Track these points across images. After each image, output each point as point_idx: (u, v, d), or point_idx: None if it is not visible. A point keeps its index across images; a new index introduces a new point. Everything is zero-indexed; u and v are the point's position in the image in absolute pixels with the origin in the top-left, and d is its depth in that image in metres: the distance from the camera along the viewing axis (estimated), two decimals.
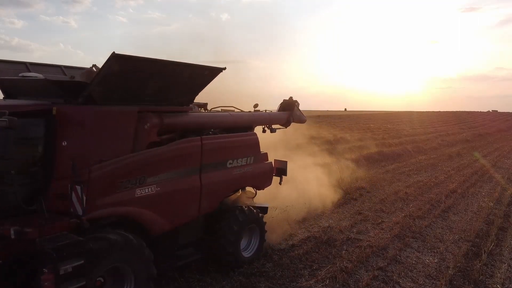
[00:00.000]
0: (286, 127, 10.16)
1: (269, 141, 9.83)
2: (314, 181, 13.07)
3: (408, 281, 7.55)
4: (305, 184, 12.34)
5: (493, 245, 9.33)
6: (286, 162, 9.06)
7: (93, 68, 6.93)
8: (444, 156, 24.68)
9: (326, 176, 14.31)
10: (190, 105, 7.16)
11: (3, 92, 6.33)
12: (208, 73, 6.66)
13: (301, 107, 10.43)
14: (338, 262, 8.13)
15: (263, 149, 8.53)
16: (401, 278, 7.65)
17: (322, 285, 7.17)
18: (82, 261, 4.50)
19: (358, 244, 9.15)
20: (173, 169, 6.29)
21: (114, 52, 5.03)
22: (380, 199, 13.55)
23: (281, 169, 8.99)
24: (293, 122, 10.19)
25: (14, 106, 5.14)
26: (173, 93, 6.49)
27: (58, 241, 4.49)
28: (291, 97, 10.27)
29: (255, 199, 8.61)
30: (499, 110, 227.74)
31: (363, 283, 7.32)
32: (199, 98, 8.00)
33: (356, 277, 7.62)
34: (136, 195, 5.69)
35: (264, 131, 9.48)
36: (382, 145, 26.86)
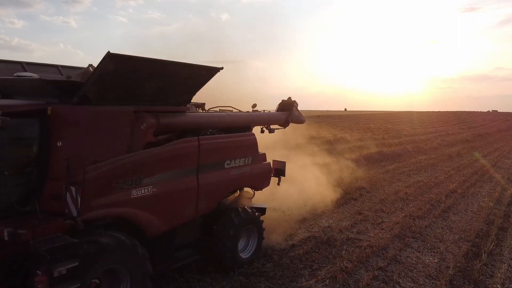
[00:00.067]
0: (284, 128, 10.11)
1: (268, 141, 9.79)
2: (314, 181, 13.05)
3: (408, 281, 7.52)
4: (305, 184, 12.32)
5: (493, 245, 9.30)
6: (285, 162, 9.01)
7: (90, 68, 6.88)
8: (444, 156, 24.65)
9: (326, 176, 14.28)
10: (188, 105, 7.10)
11: None
12: (205, 73, 6.60)
13: (301, 107, 10.39)
14: (338, 262, 8.11)
15: (263, 149, 8.48)
16: (401, 278, 7.62)
17: (322, 285, 7.14)
18: (77, 263, 4.44)
19: (358, 244, 9.12)
20: (170, 169, 6.23)
21: (109, 51, 4.98)
22: (380, 199, 13.51)
23: (279, 170, 8.93)
24: (291, 122, 10.13)
25: (7, 106, 5.07)
26: (170, 93, 6.43)
27: (52, 243, 4.43)
28: (289, 97, 10.22)
29: (253, 200, 8.56)
30: (499, 110, 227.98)
31: (363, 283, 7.29)
32: (198, 98, 7.95)
33: (356, 277, 7.59)
34: (132, 196, 5.62)
35: (262, 131, 9.42)
36: (382, 145, 26.83)
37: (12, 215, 4.84)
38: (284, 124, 9.98)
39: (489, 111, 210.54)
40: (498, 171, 20.08)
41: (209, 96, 8.57)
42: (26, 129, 5.03)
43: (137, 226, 5.82)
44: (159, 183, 6.00)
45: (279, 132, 10.21)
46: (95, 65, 6.48)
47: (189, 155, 6.59)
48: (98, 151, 5.38)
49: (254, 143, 8.07)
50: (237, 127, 8.04)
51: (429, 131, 44.74)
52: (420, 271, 7.96)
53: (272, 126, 9.61)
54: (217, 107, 8.46)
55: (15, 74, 6.12)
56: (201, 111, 8.25)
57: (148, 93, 6.07)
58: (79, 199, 4.71)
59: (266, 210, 8.78)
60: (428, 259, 8.55)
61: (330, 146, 24.22)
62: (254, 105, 9.09)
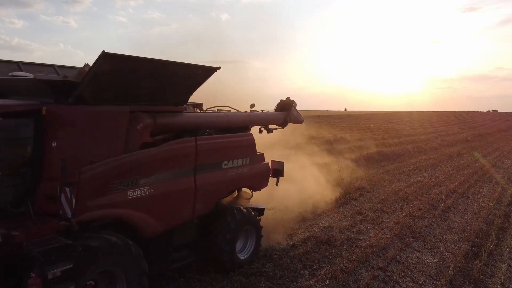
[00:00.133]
0: (283, 128, 10.05)
1: (268, 141, 9.75)
2: (314, 181, 13.01)
3: (408, 281, 7.48)
4: (305, 184, 12.29)
5: (493, 245, 9.26)
6: (283, 163, 8.96)
7: (86, 67, 6.83)
8: (444, 156, 24.60)
9: (326, 176, 14.25)
10: (185, 105, 7.05)
11: None
12: (202, 73, 6.54)
13: (301, 107, 10.33)
14: (338, 262, 8.07)
15: (263, 149, 8.43)
16: (401, 278, 7.58)
17: (322, 285, 7.11)
18: (71, 265, 4.37)
19: (358, 244, 9.08)
20: (167, 170, 6.16)
21: (103, 50, 4.93)
22: (380, 199, 13.47)
23: (278, 170, 8.88)
24: (290, 122, 10.08)
25: (1, 106, 5.03)
26: (167, 92, 6.37)
27: (46, 245, 4.36)
28: (288, 97, 10.17)
29: (254, 200, 8.51)
30: (499, 110, 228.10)
31: (363, 283, 7.25)
32: (198, 98, 7.90)
33: (356, 277, 7.55)
34: (128, 197, 5.55)
35: (260, 131, 9.37)
36: (382, 145, 26.80)
37: (6, 216, 4.79)
38: (283, 124, 9.93)
39: (489, 111, 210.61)
40: (498, 171, 20.03)
41: (209, 96, 8.53)
42: (20, 129, 4.97)
43: (133, 227, 5.76)
44: (156, 184, 5.93)
45: (280, 132, 10.17)
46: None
47: (186, 155, 6.53)
48: (94, 151, 5.32)
49: (252, 143, 8.00)
50: (235, 127, 7.98)
51: (429, 131, 44.71)
52: (420, 271, 7.91)
53: (270, 126, 9.57)
54: (214, 107, 8.41)
55: (10, 74, 6.07)
56: (198, 111, 8.20)
57: (145, 93, 6.01)
58: (73, 200, 4.66)
59: (266, 211, 8.72)
60: (428, 259, 8.51)
61: (330, 146, 24.19)
62: (252, 105, 9.04)
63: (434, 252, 8.90)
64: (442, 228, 10.60)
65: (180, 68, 6.14)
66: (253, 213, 7.80)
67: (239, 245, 7.62)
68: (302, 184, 12.08)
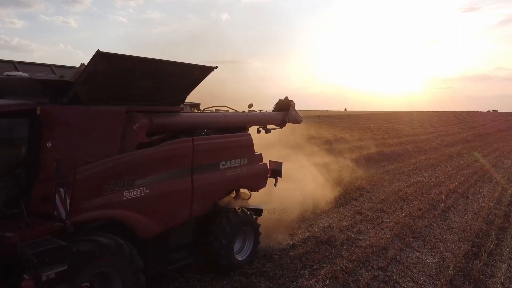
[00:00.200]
0: (281, 128, 9.99)
1: (268, 141, 9.69)
2: (313, 180, 12.94)
3: (408, 281, 7.45)
4: (305, 183, 12.22)
5: (493, 245, 9.23)
6: (281, 163, 8.88)
7: (82, 67, 6.78)
8: (444, 156, 24.56)
9: (326, 175, 14.19)
10: (182, 105, 6.99)
11: None
12: (199, 72, 6.49)
13: (301, 107, 10.27)
14: (338, 262, 8.05)
15: (262, 149, 8.37)
16: (401, 278, 7.55)
17: (322, 285, 7.08)
18: (65, 267, 4.31)
19: (358, 244, 9.05)
20: (163, 170, 6.10)
21: (98, 50, 4.87)
22: (380, 199, 13.43)
23: (276, 170, 8.80)
24: (288, 122, 10.01)
25: None
26: (163, 92, 6.31)
27: (40, 246, 4.29)
28: (286, 97, 10.10)
29: (250, 201, 8.44)
30: (499, 110, 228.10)
31: (363, 283, 7.23)
32: (197, 98, 7.84)
33: (356, 277, 7.52)
34: (124, 198, 5.49)
35: (258, 131, 9.31)
36: (382, 145, 26.75)
37: (0, 217, 4.73)
38: (281, 124, 9.86)
39: (489, 111, 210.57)
40: (498, 171, 19.99)
41: (208, 96, 8.48)
42: (14, 130, 4.93)
43: (129, 228, 5.69)
44: (152, 184, 5.88)
45: (279, 132, 10.11)
46: None
47: (183, 155, 6.47)
48: (89, 151, 5.27)
49: (250, 144, 7.94)
50: (233, 127, 7.92)
51: (429, 131, 44.65)
52: (420, 271, 7.87)
53: (268, 126, 9.50)
54: (212, 107, 8.35)
55: (5, 74, 6.01)
56: (196, 111, 8.14)
57: (141, 93, 5.96)
58: (68, 201, 4.60)
59: (266, 211, 8.66)
60: (428, 259, 8.47)
61: (330, 146, 24.14)
62: (251, 105, 8.98)
63: (434, 252, 8.86)
64: (442, 228, 10.56)
65: (177, 67, 6.08)
66: (250, 213, 7.74)
67: (237, 246, 7.56)
68: (302, 184, 12.02)
